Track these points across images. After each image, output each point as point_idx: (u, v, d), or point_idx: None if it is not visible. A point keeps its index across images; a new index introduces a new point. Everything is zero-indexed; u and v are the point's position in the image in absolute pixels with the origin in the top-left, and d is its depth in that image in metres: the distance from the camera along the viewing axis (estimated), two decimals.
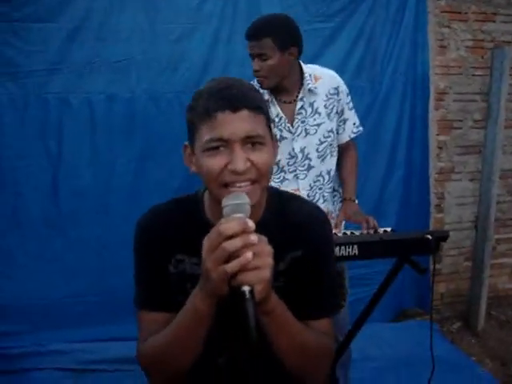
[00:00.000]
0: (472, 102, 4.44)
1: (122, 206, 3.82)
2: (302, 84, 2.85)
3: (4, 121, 3.66)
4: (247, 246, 1.15)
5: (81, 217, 3.80)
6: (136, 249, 1.55)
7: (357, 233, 2.66)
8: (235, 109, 1.31)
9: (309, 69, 2.90)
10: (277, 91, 2.85)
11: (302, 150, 2.86)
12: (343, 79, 3.01)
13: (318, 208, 1.64)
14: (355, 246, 2.43)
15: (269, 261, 1.18)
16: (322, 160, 2.91)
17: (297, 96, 2.85)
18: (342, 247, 2.42)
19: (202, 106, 1.34)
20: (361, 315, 2.74)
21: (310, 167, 2.89)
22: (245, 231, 1.16)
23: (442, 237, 2.53)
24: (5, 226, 3.72)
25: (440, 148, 4.41)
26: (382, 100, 4.15)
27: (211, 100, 1.32)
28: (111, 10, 3.70)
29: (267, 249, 1.19)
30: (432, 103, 4.32)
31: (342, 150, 3.08)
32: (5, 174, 3.69)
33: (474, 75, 4.41)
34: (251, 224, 1.17)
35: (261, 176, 1.35)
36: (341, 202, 3.07)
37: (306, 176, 2.88)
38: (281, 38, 2.68)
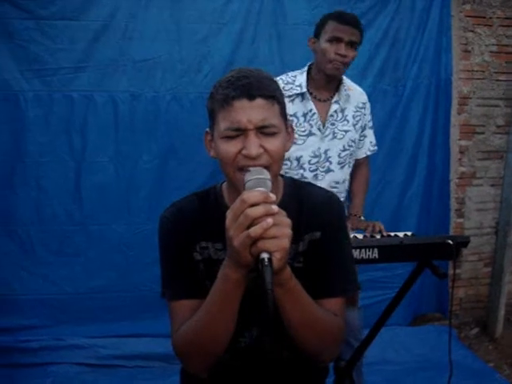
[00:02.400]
0: (495, 107, 4.41)
1: (144, 203, 3.88)
2: (338, 88, 2.89)
3: (29, 117, 3.71)
4: (268, 213, 1.22)
5: (103, 213, 3.85)
6: (161, 241, 1.60)
7: (377, 236, 2.67)
8: (251, 97, 1.39)
9: (343, 77, 2.94)
10: (314, 86, 2.89)
11: (326, 152, 2.89)
12: (367, 82, 3.09)
13: (333, 194, 1.69)
14: (375, 250, 2.43)
15: (287, 231, 1.24)
16: (342, 167, 2.94)
17: (331, 97, 2.89)
18: (363, 250, 2.42)
19: (220, 94, 1.42)
20: (379, 318, 2.73)
21: (328, 170, 2.92)
22: (266, 201, 1.23)
23: (463, 242, 2.51)
24: (28, 221, 3.78)
25: (462, 153, 4.39)
26: (405, 103, 4.13)
27: (229, 88, 1.40)
28: (137, 9, 3.74)
29: (286, 220, 1.25)
30: (455, 108, 4.30)
31: (357, 164, 3.13)
32: (29, 169, 3.75)
33: (497, 80, 4.38)
34: (272, 195, 1.25)
35: (272, 162, 1.42)
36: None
37: (324, 178, 2.91)
38: (362, 37, 2.81)
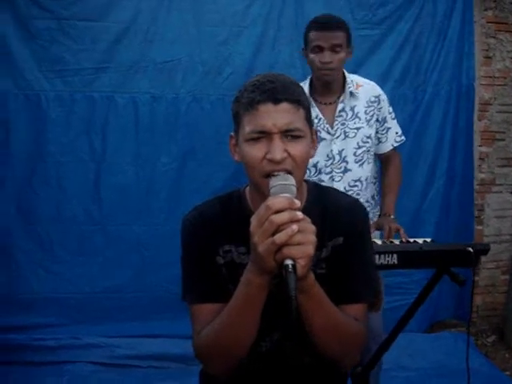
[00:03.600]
0: None
1: (163, 204, 3.91)
2: (343, 88, 2.90)
3: (50, 117, 3.77)
4: (293, 220, 1.22)
5: (121, 214, 3.88)
6: (183, 244, 1.61)
7: (397, 242, 2.65)
8: (276, 101, 1.39)
9: (351, 76, 2.96)
10: (318, 92, 2.91)
11: (340, 153, 2.89)
12: (387, 86, 3.08)
13: (357, 200, 1.70)
14: (395, 255, 2.42)
15: (312, 238, 1.24)
16: (360, 165, 2.93)
17: (338, 98, 2.90)
18: (382, 256, 2.41)
19: (246, 98, 1.42)
20: (397, 324, 2.72)
21: (346, 170, 2.91)
22: (291, 207, 1.23)
23: (483, 250, 2.49)
24: (47, 220, 3.82)
25: (482, 159, 4.37)
26: (426, 109, 4.13)
27: (255, 92, 1.40)
28: (158, 11, 3.79)
29: (311, 227, 1.25)
30: (475, 114, 4.29)
31: (386, 159, 3.11)
32: (49, 169, 3.80)
33: None
34: (297, 202, 1.25)
35: (296, 167, 1.41)
36: (377, 211, 3.08)
37: (342, 179, 2.90)
38: (348, 34, 2.79)
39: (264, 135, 1.39)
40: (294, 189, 1.32)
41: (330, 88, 2.89)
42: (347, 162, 2.90)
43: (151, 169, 3.88)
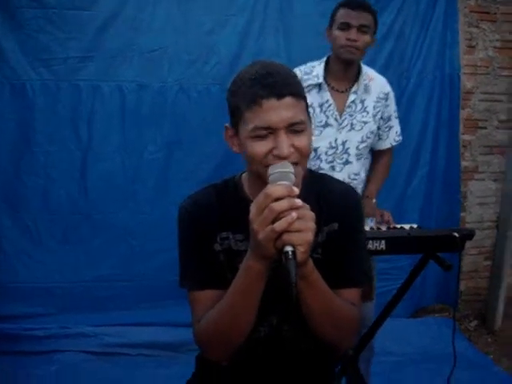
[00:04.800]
0: (498, 103, 4.45)
1: (149, 193, 3.91)
2: (357, 78, 2.91)
3: (36, 106, 3.75)
4: (292, 207, 1.24)
5: (108, 203, 3.88)
6: (181, 232, 1.62)
7: (384, 228, 2.70)
8: (280, 96, 1.38)
9: (365, 67, 2.98)
10: (332, 76, 2.91)
11: (344, 143, 2.91)
12: None
13: (351, 186, 1.72)
14: (383, 241, 2.46)
15: (311, 224, 1.26)
16: (359, 159, 2.96)
17: (350, 87, 2.90)
18: (370, 242, 2.45)
19: (246, 92, 1.41)
20: (385, 308, 2.77)
21: (347, 162, 2.94)
22: (290, 195, 1.25)
23: (468, 235, 2.55)
24: (34, 209, 3.82)
25: (464, 147, 4.42)
26: (409, 97, 4.17)
27: (256, 87, 1.39)
28: (145, 0, 3.76)
29: (310, 214, 1.27)
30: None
31: (380, 154, 3.14)
32: (36, 158, 3.78)
33: (500, 75, 4.41)
34: (296, 189, 1.27)
35: (302, 158, 1.43)
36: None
37: (342, 170, 2.92)
38: (376, 20, 2.80)
39: (269, 131, 1.39)
40: (293, 176, 1.34)
41: (346, 72, 2.88)
42: (349, 154, 2.93)
43: (137, 157, 3.87)
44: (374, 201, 3.05)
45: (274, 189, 1.26)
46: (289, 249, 1.23)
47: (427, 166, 4.30)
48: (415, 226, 2.69)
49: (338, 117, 2.89)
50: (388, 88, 3.01)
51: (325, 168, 2.89)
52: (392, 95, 3.03)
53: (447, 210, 4.43)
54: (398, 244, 2.50)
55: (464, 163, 4.45)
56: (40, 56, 3.70)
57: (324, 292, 1.43)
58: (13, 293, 3.79)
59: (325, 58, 2.96)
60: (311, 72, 2.92)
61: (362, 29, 2.73)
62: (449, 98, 4.28)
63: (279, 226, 1.23)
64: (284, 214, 1.23)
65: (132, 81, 3.80)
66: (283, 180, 1.31)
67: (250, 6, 3.85)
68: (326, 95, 2.88)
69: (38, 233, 3.82)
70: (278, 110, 1.37)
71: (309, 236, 1.25)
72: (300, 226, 1.24)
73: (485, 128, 4.47)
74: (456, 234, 2.48)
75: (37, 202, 3.81)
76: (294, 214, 1.23)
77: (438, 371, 3.00)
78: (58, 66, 3.72)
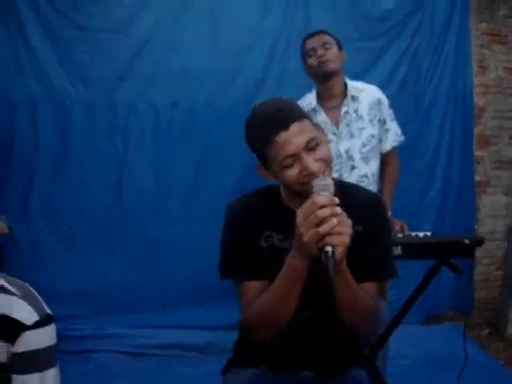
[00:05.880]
0: (508, 120, 4.68)
1: (179, 205, 4.18)
2: (345, 94, 3.22)
3: (75, 121, 4.05)
4: (333, 214, 1.47)
5: (140, 213, 4.15)
6: (229, 229, 1.85)
7: (400, 235, 2.92)
8: (287, 127, 1.63)
9: (352, 82, 3.29)
10: (323, 98, 3.25)
11: (347, 151, 3.19)
12: (387, 94, 3.34)
13: (376, 193, 1.99)
14: (399, 247, 2.68)
15: (348, 229, 1.50)
16: (366, 163, 3.23)
17: (341, 102, 3.22)
18: None
19: (261, 135, 1.67)
20: (399, 312, 2.96)
21: (353, 168, 3.21)
22: (332, 204, 1.49)
23: (478, 242, 2.76)
24: (71, 216, 4.09)
25: (477, 162, 4.64)
26: (424, 114, 4.41)
27: (266, 127, 1.65)
28: (176, 23, 4.07)
29: (347, 220, 1.51)
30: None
31: (385, 158, 3.40)
32: (74, 169, 4.07)
33: (510, 95, 4.65)
34: (336, 200, 1.50)
35: (327, 166, 1.69)
36: None
37: (349, 176, 3.19)
38: (335, 38, 3.21)
39: (293, 158, 1.64)
40: (332, 188, 1.56)
41: (332, 89, 3.22)
42: (354, 160, 3.21)
43: (169, 172, 4.15)
44: (389, 213, 3.28)
45: (320, 198, 1.49)
46: (329, 249, 1.47)
47: (441, 180, 4.50)
48: (429, 233, 2.91)
49: (336, 130, 3.19)
50: (379, 94, 3.31)
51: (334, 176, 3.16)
52: (384, 100, 3.31)
53: (460, 222, 4.60)
54: (413, 250, 2.72)
55: (476, 178, 4.66)
56: (79, 74, 4.01)
57: (353, 285, 1.65)
58: (49, 294, 3.94)
59: (314, 91, 3.31)
60: (305, 101, 3.26)
61: (325, 46, 3.14)
62: (462, 116, 4.50)
63: (323, 229, 1.46)
64: (327, 219, 1.47)
65: (164, 99, 4.09)
66: (325, 191, 1.54)
67: (275, 29, 4.15)
68: (321, 115, 3.20)
69: (72, 238, 4.08)
70: (292, 139, 1.63)
71: (346, 239, 1.48)
72: (339, 230, 1.47)
73: (496, 144, 4.68)
74: (467, 241, 2.70)
75: (72, 210, 4.09)
76: (335, 220, 1.46)
77: (449, 374, 3.14)
78: (95, 85, 4.02)
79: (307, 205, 1.51)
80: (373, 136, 3.25)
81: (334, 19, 4.15)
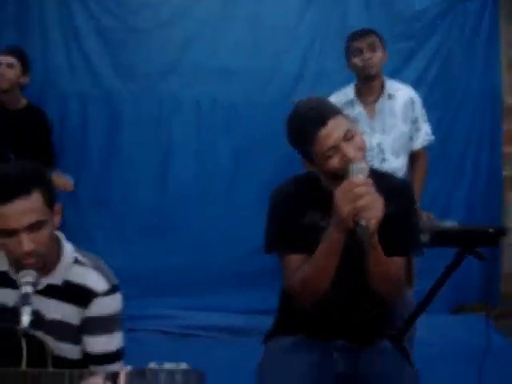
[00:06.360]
0: None
1: (220, 196, 4.44)
2: (382, 90, 3.46)
3: (122, 114, 4.36)
4: (368, 192, 1.71)
5: (184, 203, 4.42)
6: (274, 209, 2.07)
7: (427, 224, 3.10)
8: (325, 123, 1.85)
9: (390, 81, 3.53)
10: (361, 93, 3.48)
11: (379, 145, 3.41)
12: (419, 93, 3.55)
13: (405, 179, 2.23)
14: (426, 235, 2.84)
15: (381, 205, 1.73)
16: (397, 157, 3.45)
17: (378, 98, 3.45)
18: None
19: (303, 134, 1.89)
20: (423, 300, 3.05)
21: (383, 160, 3.42)
22: (366, 183, 1.74)
23: (502, 231, 2.90)
24: (118, 204, 4.39)
25: (505, 159, 4.76)
26: (454, 114, 4.56)
27: (307, 126, 1.87)
28: (219, 23, 4.33)
29: (379, 197, 1.74)
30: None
31: (415, 156, 3.62)
32: (121, 160, 4.37)
33: None
34: (370, 180, 1.76)
35: (363, 152, 1.90)
36: None
37: (379, 168, 3.35)
38: (381, 38, 3.42)
39: (334, 148, 1.85)
40: (367, 171, 1.79)
41: (371, 87, 3.44)
42: (384, 153, 3.43)
43: (211, 163, 4.42)
44: (417, 204, 3.47)
45: (356, 179, 1.74)
46: (364, 222, 1.70)
47: (470, 176, 4.65)
48: (455, 223, 3.08)
49: (371, 123, 3.42)
50: (414, 94, 3.54)
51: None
52: (417, 100, 3.53)
53: (488, 217, 4.67)
54: (439, 237, 2.88)
55: (504, 173, 4.76)
56: (127, 71, 4.31)
57: (383, 257, 1.87)
58: None
59: (353, 86, 3.54)
60: (342, 93, 3.51)
61: (371, 48, 3.35)
62: (491, 114, 4.64)
63: (359, 204, 1.69)
64: (362, 196, 1.70)
65: (206, 95, 4.35)
66: (360, 173, 1.77)
67: (312, 29, 4.39)
68: (358, 108, 3.44)
69: (120, 225, 4.37)
70: (331, 133, 1.85)
71: (379, 212, 1.71)
72: (373, 205, 1.71)
73: None
74: (491, 230, 2.87)
75: (120, 198, 4.39)
76: (369, 197, 1.71)
77: (472, 363, 3.23)
78: (142, 80, 4.32)
79: (345, 184, 1.75)
80: (404, 133, 3.47)
81: (369, 19, 4.32)
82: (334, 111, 1.91)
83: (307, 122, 1.88)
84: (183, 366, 1.42)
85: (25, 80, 3.77)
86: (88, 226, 4.31)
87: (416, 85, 4.27)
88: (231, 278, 4.32)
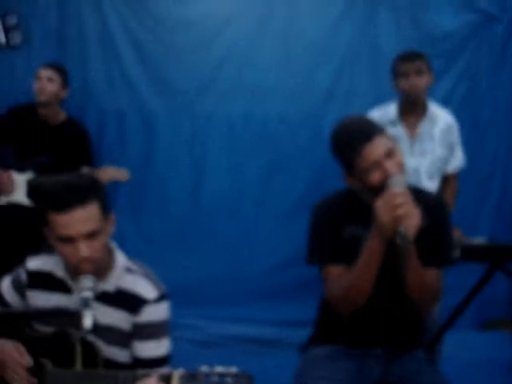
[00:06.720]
0: None
1: (252, 208, 4.55)
2: (425, 114, 3.53)
3: (158, 129, 4.52)
4: (407, 202, 1.83)
5: (217, 215, 4.54)
6: (316, 223, 2.17)
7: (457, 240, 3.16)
8: (371, 139, 1.96)
9: (432, 106, 3.61)
10: (404, 114, 3.55)
11: (415, 168, 3.47)
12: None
13: (440, 196, 2.32)
14: (457, 250, 2.92)
15: (418, 215, 1.84)
16: (430, 180, 3.54)
17: (419, 121, 3.53)
18: None
19: (349, 147, 2.00)
20: (451, 315, 3.18)
21: (418, 183, 3.41)
22: (405, 194, 1.85)
23: None
24: (153, 216, 4.52)
25: None
26: (482, 131, 4.63)
27: (354, 140, 1.98)
28: (252, 41, 4.48)
29: (417, 208, 1.86)
30: None
31: (446, 179, 3.70)
32: (157, 173, 4.52)
33: None
34: (408, 191, 1.87)
35: (402, 168, 1.99)
36: None
37: None
38: (427, 62, 3.50)
39: (377, 165, 1.95)
40: (406, 184, 1.91)
41: (415, 110, 3.52)
42: (420, 177, 3.50)
43: (243, 178, 4.55)
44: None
45: (396, 189, 1.86)
46: (403, 230, 1.81)
47: (498, 192, 4.71)
48: (484, 239, 3.15)
49: (410, 145, 3.48)
50: (451, 121, 3.61)
51: None
52: (455, 126, 3.62)
53: None
54: (469, 252, 2.97)
55: None
56: (163, 88, 4.46)
57: (420, 266, 1.97)
58: None
59: (396, 103, 3.60)
60: (386, 111, 3.58)
61: (418, 73, 3.41)
62: None
63: (399, 212, 1.81)
64: (402, 206, 1.82)
65: (239, 112, 4.49)
66: (399, 185, 1.89)
67: (343, 47, 4.50)
68: (399, 129, 3.50)
69: (156, 238, 4.49)
70: (375, 150, 1.95)
71: (417, 221, 1.83)
72: (412, 214, 1.83)
73: None
74: None
75: (155, 210, 4.52)
76: (408, 207, 1.82)
77: (500, 378, 3.38)
78: (178, 98, 4.46)
79: (386, 195, 1.87)
80: (441, 158, 3.56)
81: (399, 39, 4.45)
82: (379, 129, 2.02)
83: (354, 136, 1.99)
84: (233, 369, 1.51)
85: (64, 94, 3.93)
86: (123, 239, 4.38)
87: (444, 103, 4.37)
88: (262, 290, 4.42)
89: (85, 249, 1.73)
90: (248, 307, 4.41)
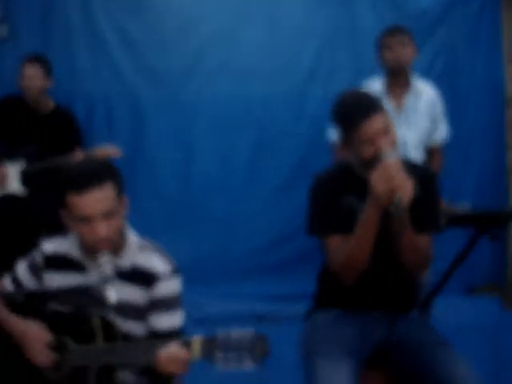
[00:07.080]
0: None
1: (240, 188, 4.67)
2: (409, 87, 3.70)
3: (146, 111, 4.61)
4: (400, 173, 1.96)
5: (207, 195, 4.65)
6: (315, 196, 2.29)
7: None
8: (370, 117, 2.07)
9: (416, 80, 3.77)
10: (390, 87, 3.71)
11: (403, 139, 3.54)
12: None
13: (428, 167, 2.54)
14: (443, 218, 3.03)
15: (411, 184, 1.96)
16: (418, 152, 3.70)
17: (404, 92, 3.69)
18: None
19: (349, 119, 2.12)
20: (440, 280, 3.33)
21: (406, 154, 3.58)
22: (399, 165, 1.97)
23: (510, 215, 3.17)
24: (145, 198, 4.58)
25: (508, 148, 4.94)
26: (460, 106, 4.73)
27: (355, 114, 2.09)
28: (236, 24, 4.60)
29: (410, 178, 1.98)
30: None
31: (430, 152, 3.87)
32: (147, 154, 4.61)
33: None
34: (401, 163, 1.99)
35: (395, 143, 2.12)
36: None
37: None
38: (411, 35, 3.68)
39: (372, 140, 2.07)
40: (398, 157, 2.03)
41: (399, 83, 3.68)
42: (407, 148, 3.64)
43: (231, 158, 4.65)
44: None
45: (390, 161, 1.98)
46: (398, 199, 1.93)
47: (477, 165, 4.85)
48: (468, 206, 3.29)
49: (396, 118, 3.60)
50: (435, 95, 3.78)
51: None
52: (439, 100, 3.78)
53: (495, 204, 4.82)
54: (454, 220, 3.10)
55: (508, 162, 4.95)
56: (150, 73, 4.55)
57: (413, 233, 2.10)
58: None
59: (382, 78, 3.74)
60: (370, 85, 3.73)
61: (402, 45, 3.59)
62: (494, 104, 4.85)
63: (393, 183, 1.93)
64: (396, 177, 1.94)
65: (226, 93, 4.58)
66: (393, 158, 2.01)
67: (323, 29, 4.63)
68: (385, 102, 3.54)
69: (148, 219, 4.49)
70: (372, 127, 2.07)
71: (410, 190, 1.95)
72: (405, 183, 1.95)
73: None
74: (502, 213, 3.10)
75: (146, 192, 4.59)
76: (401, 177, 1.94)
77: (484, 342, 3.56)
78: (164, 81, 4.56)
79: (381, 166, 1.98)
80: (426, 130, 3.72)
81: (377, 18, 4.59)
82: (379, 107, 2.12)
83: (356, 110, 2.10)
84: (249, 331, 1.62)
85: (49, 83, 4.01)
86: None
87: (424, 77, 4.49)
88: (254, 267, 4.54)
89: (102, 228, 1.82)
90: (240, 284, 4.51)
